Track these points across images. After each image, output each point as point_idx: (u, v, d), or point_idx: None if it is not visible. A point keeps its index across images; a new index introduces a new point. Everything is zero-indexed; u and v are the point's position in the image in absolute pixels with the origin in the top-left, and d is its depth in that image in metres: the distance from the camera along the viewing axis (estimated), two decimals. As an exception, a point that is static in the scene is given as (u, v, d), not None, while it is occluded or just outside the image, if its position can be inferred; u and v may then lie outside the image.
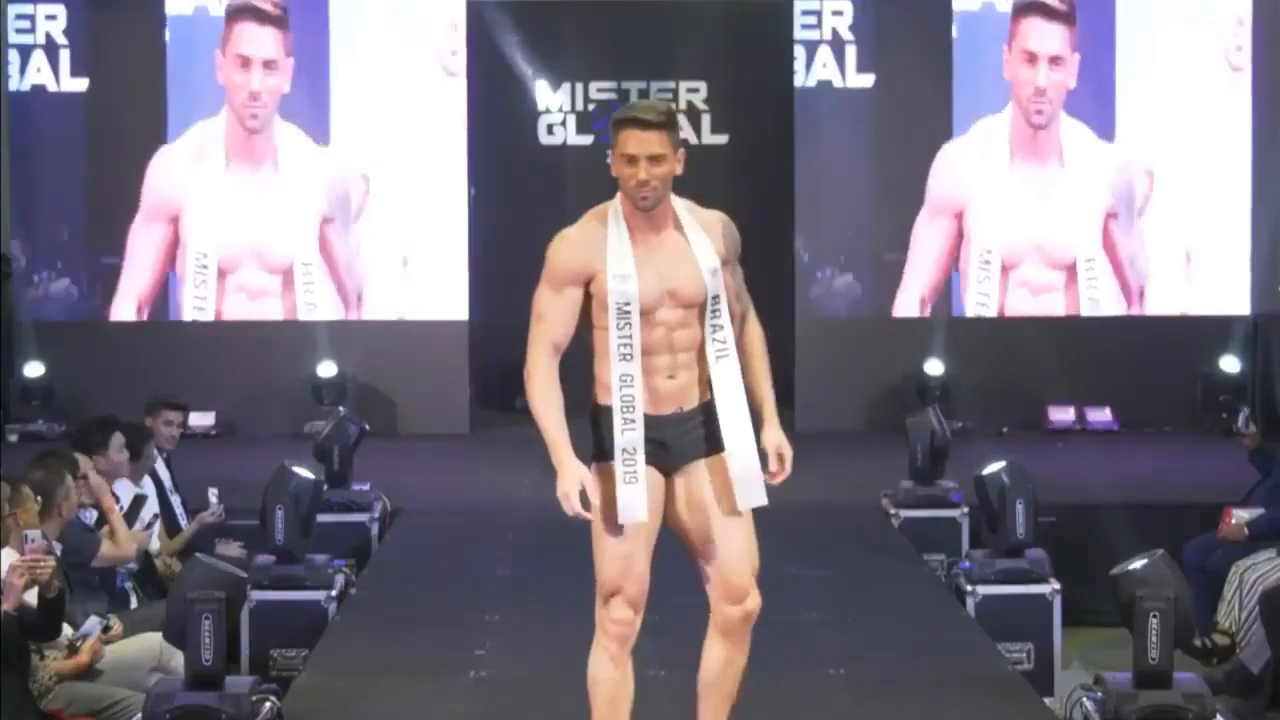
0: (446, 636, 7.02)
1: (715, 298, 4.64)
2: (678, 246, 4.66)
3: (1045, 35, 13.10)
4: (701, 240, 4.67)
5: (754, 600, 4.80)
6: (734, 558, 4.75)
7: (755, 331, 4.84)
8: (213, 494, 8.62)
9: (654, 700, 6.11)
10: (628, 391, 4.61)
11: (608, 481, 4.65)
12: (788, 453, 4.73)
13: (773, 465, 4.72)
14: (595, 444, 4.70)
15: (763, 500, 4.71)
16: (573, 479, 4.59)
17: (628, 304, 4.58)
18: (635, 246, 4.63)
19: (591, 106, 14.31)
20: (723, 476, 4.69)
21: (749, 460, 4.68)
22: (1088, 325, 13.14)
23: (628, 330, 4.58)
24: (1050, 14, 13.07)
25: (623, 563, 4.68)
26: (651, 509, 4.66)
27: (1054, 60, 13.07)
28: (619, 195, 4.69)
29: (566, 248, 4.69)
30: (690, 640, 6.85)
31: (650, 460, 4.65)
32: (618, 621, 4.71)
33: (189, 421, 11.55)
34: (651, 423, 4.66)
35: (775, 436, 4.73)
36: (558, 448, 4.61)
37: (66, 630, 6.23)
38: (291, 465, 7.98)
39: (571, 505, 4.58)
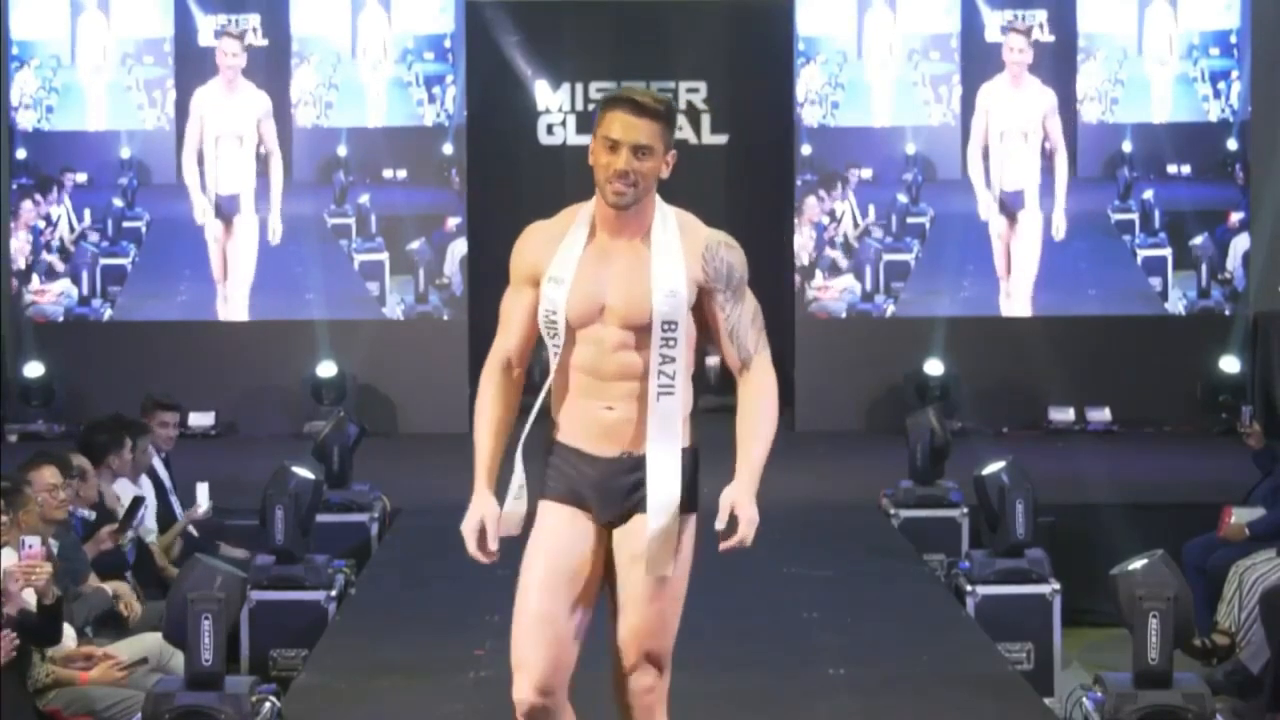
0: (446, 636, 7.01)
1: (669, 324, 3.96)
2: (635, 258, 4.01)
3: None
4: (670, 257, 3.99)
5: (639, 682, 4.10)
6: (627, 632, 4.09)
7: (760, 385, 4.05)
8: (203, 491, 8.51)
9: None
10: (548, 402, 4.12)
11: (543, 522, 4.07)
12: (745, 517, 3.90)
13: (719, 523, 3.93)
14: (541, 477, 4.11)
15: (666, 571, 3.99)
16: (473, 516, 4.02)
17: (554, 312, 4.01)
18: (587, 250, 4.02)
19: (591, 106, 14.30)
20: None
21: (665, 520, 3.97)
22: (1088, 325, 13.14)
23: (556, 342, 4.05)
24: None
25: (536, 629, 3.97)
26: (581, 559, 4.03)
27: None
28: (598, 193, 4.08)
29: (524, 242, 4.12)
30: (690, 640, 6.87)
31: (580, 504, 4.05)
32: (518, 703, 3.99)
33: (189, 421, 11.59)
34: (587, 461, 4.05)
35: (734, 494, 3.93)
36: (476, 473, 4.05)
37: (66, 632, 6.23)
38: (291, 465, 7.97)
39: (469, 547, 4.01)
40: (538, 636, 3.96)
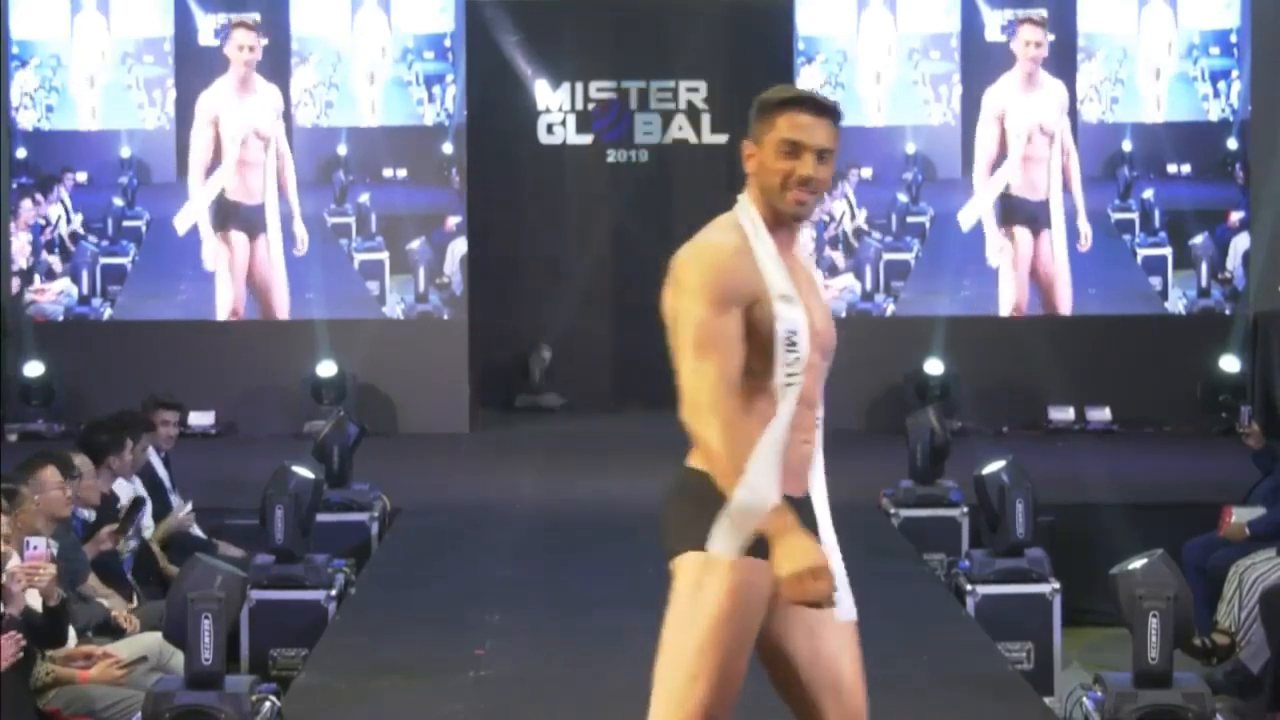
0: (446, 636, 7.01)
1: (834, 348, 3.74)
2: (810, 276, 3.74)
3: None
4: (819, 275, 3.82)
5: None
6: (852, 683, 3.77)
7: None
8: (187, 506, 8.51)
9: (654, 700, 6.10)
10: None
11: (740, 578, 3.55)
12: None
13: None
14: (705, 529, 3.55)
15: (853, 613, 3.81)
16: (820, 553, 3.47)
17: (795, 332, 3.58)
18: (784, 265, 3.65)
19: (591, 106, 14.33)
20: None
21: (838, 558, 3.71)
22: (1088, 325, 13.14)
23: (796, 365, 3.58)
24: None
25: (731, 684, 3.58)
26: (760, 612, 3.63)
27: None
28: (746, 202, 3.72)
29: (726, 259, 3.59)
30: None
31: (767, 554, 3.51)
32: None
33: (189, 421, 11.60)
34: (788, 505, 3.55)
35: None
36: (784, 511, 3.47)
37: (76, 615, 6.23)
38: (291, 465, 7.97)
39: (830, 583, 3.48)
40: (733, 699, 3.61)
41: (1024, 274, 13.16)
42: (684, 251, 3.65)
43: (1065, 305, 13.16)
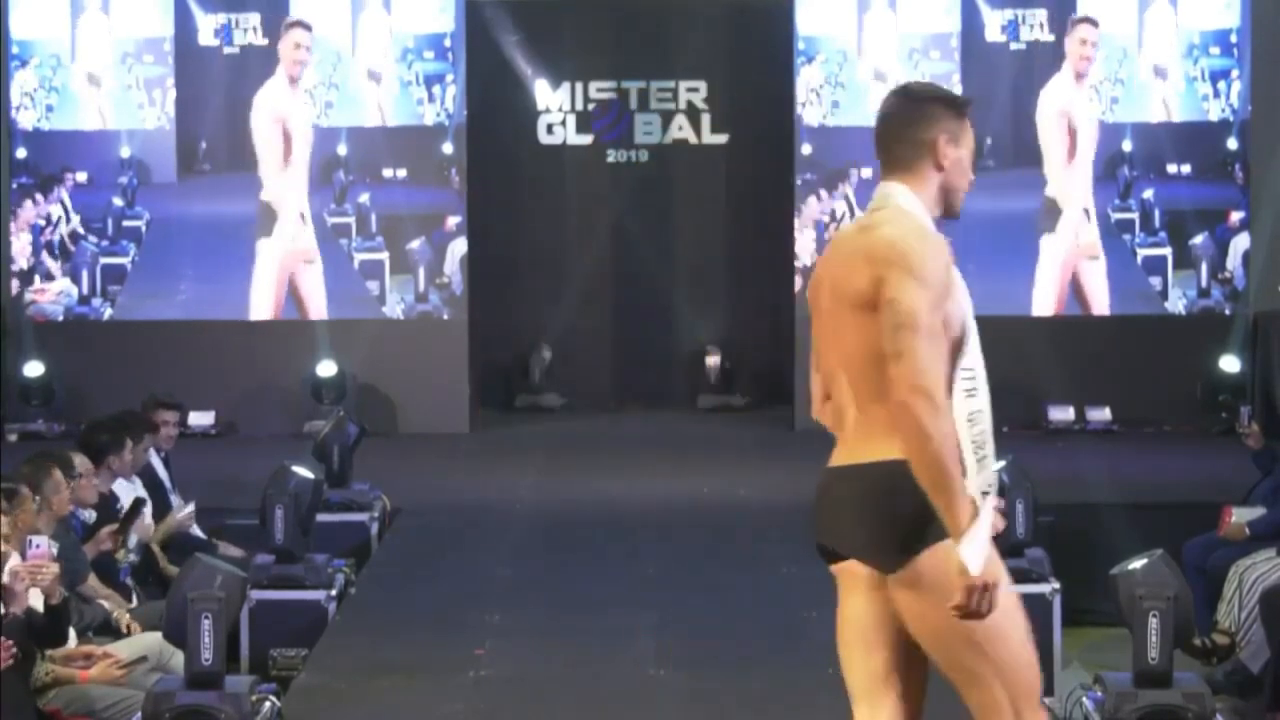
0: (446, 636, 7.02)
1: None
2: None
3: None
4: None
5: None
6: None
7: None
8: (188, 507, 8.53)
9: (654, 700, 6.12)
10: (980, 429, 3.77)
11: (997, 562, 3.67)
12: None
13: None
14: (921, 519, 3.61)
15: None
16: (999, 565, 3.61)
17: (970, 329, 3.77)
18: None
19: (591, 106, 14.32)
20: None
21: None
22: (1088, 325, 13.14)
23: (970, 359, 3.78)
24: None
25: (1033, 650, 3.74)
26: None
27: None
28: (911, 196, 3.73)
29: (944, 251, 3.64)
30: (690, 640, 6.87)
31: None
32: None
33: (189, 421, 11.60)
34: None
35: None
36: (974, 515, 3.59)
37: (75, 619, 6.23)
38: (291, 465, 7.98)
39: (995, 602, 3.59)
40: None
41: (1067, 276, 13.14)
42: (900, 237, 3.61)
43: (1102, 306, 13.15)
